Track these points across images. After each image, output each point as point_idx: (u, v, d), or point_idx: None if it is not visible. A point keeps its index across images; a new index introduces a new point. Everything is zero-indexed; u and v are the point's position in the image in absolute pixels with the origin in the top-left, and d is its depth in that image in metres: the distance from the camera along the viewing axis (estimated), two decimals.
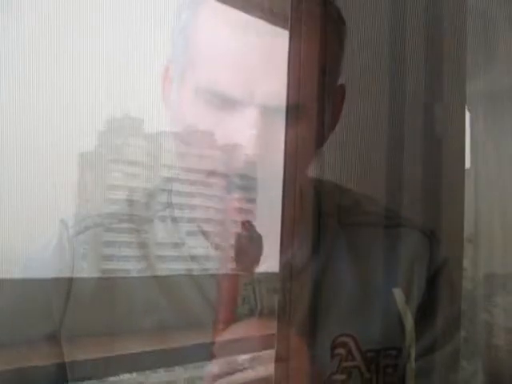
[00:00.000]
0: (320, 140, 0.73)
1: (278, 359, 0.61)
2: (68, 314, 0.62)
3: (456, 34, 0.93)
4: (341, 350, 0.73)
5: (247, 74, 0.66)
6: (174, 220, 0.72)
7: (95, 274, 0.68)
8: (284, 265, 0.64)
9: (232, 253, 0.68)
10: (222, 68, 0.67)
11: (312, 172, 0.74)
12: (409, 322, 0.77)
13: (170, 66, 0.72)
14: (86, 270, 0.68)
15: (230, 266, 0.69)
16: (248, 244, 0.67)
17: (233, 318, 0.65)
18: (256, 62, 0.66)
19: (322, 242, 0.75)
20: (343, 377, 0.73)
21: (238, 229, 0.68)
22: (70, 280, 0.66)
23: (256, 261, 0.68)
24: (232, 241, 0.68)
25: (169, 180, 0.73)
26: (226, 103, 0.66)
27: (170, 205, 0.72)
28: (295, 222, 0.65)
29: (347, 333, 0.73)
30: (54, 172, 0.58)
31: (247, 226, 0.67)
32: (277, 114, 0.65)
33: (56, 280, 0.65)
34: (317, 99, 0.69)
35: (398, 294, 0.77)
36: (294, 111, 0.65)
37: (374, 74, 0.84)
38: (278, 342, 0.61)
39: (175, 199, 0.72)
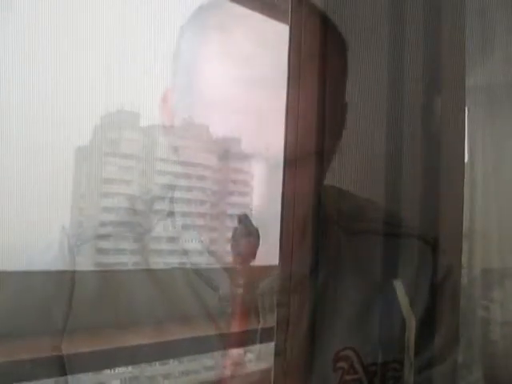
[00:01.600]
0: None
1: (277, 373, 0.61)
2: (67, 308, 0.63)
3: (456, 29, 0.92)
4: (343, 364, 0.72)
5: (252, 130, 0.65)
6: (178, 228, 0.72)
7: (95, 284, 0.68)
8: (284, 276, 0.63)
9: (229, 246, 0.68)
10: (228, 123, 0.65)
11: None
12: (409, 325, 0.75)
13: (169, 94, 0.70)
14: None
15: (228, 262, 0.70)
16: (245, 237, 0.67)
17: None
18: (260, 116, 0.65)
19: (325, 250, 0.73)
20: None
21: (235, 222, 0.68)
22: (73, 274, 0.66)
23: (252, 254, 0.68)
24: (229, 235, 0.68)
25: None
26: (233, 157, 0.66)
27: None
28: (295, 230, 0.63)
29: (349, 346, 0.73)
30: (55, 172, 0.58)
31: (244, 218, 0.67)
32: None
33: (57, 274, 0.65)
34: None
35: (398, 286, 0.75)
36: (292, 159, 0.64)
37: (374, 72, 0.84)
38: (276, 355, 0.61)
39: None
